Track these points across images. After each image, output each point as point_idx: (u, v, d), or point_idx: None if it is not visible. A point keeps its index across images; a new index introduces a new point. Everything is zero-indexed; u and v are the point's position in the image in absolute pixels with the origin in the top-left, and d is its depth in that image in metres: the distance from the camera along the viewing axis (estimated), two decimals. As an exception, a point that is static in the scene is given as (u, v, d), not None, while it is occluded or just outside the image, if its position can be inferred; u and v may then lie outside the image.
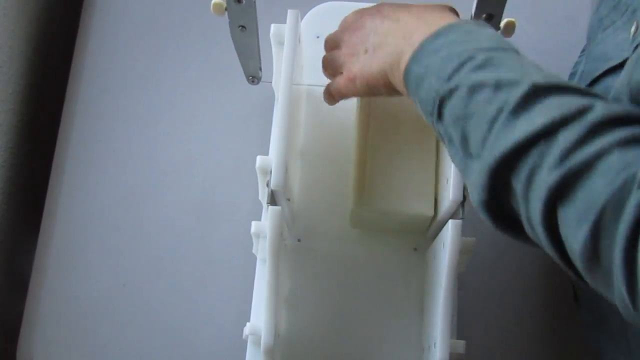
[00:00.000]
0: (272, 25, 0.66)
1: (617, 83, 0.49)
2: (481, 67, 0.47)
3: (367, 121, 0.68)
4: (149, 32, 0.86)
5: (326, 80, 0.67)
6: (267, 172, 0.62)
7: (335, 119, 0.73)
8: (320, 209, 0.72)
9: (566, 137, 0.39)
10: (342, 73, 0.62)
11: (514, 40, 0.81)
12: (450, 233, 0.60)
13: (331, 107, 0.67)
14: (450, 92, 0.47)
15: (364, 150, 0.67)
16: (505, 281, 0.78)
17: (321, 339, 0.69)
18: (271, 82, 0.75)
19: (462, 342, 0.63)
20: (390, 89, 0.57)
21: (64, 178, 0.80)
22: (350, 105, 0.72)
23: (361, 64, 0.59)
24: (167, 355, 0.75)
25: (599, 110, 0.40)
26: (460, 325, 0.69)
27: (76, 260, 0.78)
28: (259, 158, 0.62)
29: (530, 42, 0.85)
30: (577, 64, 0.81)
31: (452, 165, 0.60)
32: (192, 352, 0.75)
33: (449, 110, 0.47)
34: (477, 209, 0.46)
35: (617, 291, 0.37)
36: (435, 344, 0.61)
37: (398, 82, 0.55)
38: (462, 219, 0.61)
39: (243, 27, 0.64)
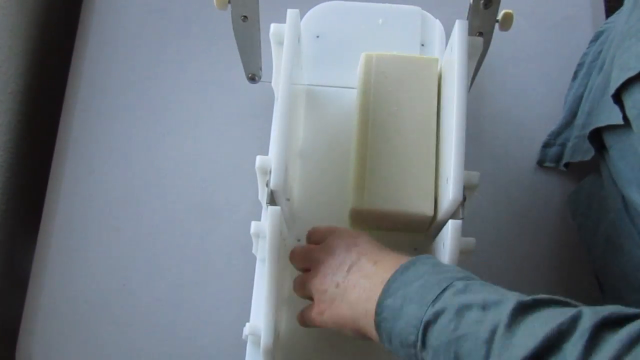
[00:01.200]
0: (272, 25, 0.66)
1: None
2: (463, 292, 0.48)
3: (367, 120, 0.68)
4: (148, 31, 0.86)
5: (326, 81, 0.67)
6: (266, 172, 0.62)
7: (335, 119, 0.73)
8: (320, 209, 0.71)
9: (572, 352, 0.40)
10: (311, 296, 0.62)
11: (513, 40, 0.83)
12: (450, 233, 0.60)
13: (331, 107, 0.67)
14: (436, 316, 0.47)
15: (364, 149, 0.67)
16: (506, 282, 0.77)
17: (322, 340, 0.68)
18: (271, 82, 0.74)
19: None
20: (357, 333, 0.57)
21: (63, 178, 0.80)
22: (350, 105, 0.72)
23: (331, 300, 0.59)
24: (167, 356, 0.75)
25: (588, 317, 0.41)
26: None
27: (76, 260, 0.77)
28: (258, 158, 0.62)
29: (529, 43, 0.86)
30: (585, 55, 0.80)
31: (452, 165, 0.60)
32: (191, 352, 0.75)
33: (437, 334, 0.47)
34: None
35: None
36: None
37: (368, 327, 0.55)
38: (462, 219, 0.61)
39: (245, 17, 0.64)
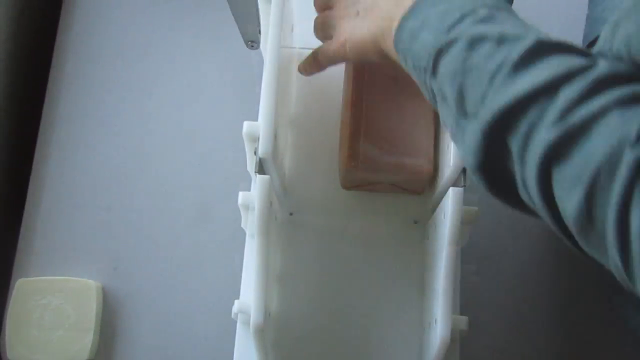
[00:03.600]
0: None
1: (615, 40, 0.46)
2: (484, 20, 0.44)
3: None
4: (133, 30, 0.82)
5: (319, 43, 0.63)
6: (255, 139, 0.58)
7: (329, 85, 0.70)
8: (313, 180, 0.68)
9: (567, 94, 0.38)
10: (332, 37, 0.59)
11: None
12: (451, 202, 0.56)
13: (325, 72, 0.63)
14: (449, 44, 0.44)
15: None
16: (511, 253, 0.74)
17: (315, 318, 0.65)
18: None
19: (464, 318, 0.59)
20: (380, 55, 0.55)
21: (49, 156, 0.77)
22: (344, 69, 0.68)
23: (352, 27, 0.57)
24: (160, 338, 0.72)
25: (603, 67, 0.39)
26: (465, 302, 0.65)
27: (65, 244, 0.74)
28: (245, 124, 0.58)
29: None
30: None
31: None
32: (182, 331, 0.72)
33: (446, 63, 0.45)
34: (472, 172, 0.43)
35: (611, 255, 0.35)
36: (436, 320, 0.57)
37: (389, 46, 0.52)
38: (463, 186, 0.57)
39: None
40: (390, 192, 0.67)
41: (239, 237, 0.69)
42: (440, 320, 0.56)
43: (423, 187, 0.66)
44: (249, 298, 0.59)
